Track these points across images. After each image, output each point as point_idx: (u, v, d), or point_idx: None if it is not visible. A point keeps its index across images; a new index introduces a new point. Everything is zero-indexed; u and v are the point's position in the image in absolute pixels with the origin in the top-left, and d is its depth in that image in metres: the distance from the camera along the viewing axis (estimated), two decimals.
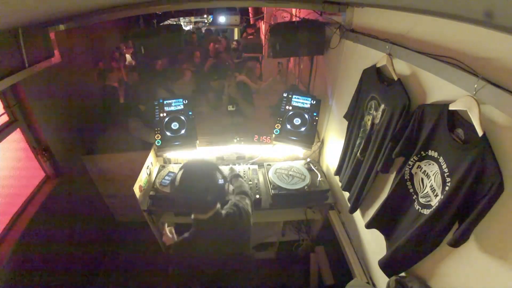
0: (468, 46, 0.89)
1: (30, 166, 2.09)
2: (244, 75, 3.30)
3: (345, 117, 1.71)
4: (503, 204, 0.78)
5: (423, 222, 0.99)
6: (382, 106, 1.32)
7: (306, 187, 2.08)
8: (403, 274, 1.21)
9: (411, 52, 1.10)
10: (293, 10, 2.74)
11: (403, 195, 1.15)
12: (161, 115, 2.10)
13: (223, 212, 1.38)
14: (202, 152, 2.39)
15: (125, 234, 3.05)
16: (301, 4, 2.01)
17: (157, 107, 2.10)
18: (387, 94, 1.28)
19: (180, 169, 1.33)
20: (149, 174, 2.25)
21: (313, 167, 2.27)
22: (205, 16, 7.22)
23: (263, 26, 4.77)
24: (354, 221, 1.83)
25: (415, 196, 1.11)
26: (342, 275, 1.90)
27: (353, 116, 1.63)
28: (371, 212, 1.44)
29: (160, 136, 2.06)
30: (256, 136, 2.31)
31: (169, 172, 2.26)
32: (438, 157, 0.99)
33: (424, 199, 1.05)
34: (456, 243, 0.86)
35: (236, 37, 6.63)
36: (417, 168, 1.09)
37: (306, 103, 2.07)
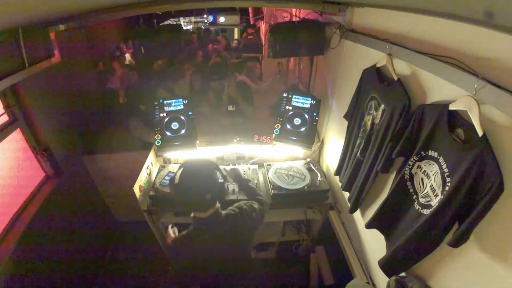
0: (468, 46, 0.89)
1: (30, 166, 2.09)
2: (244, 75, 3.30)
3: (345, 117, 1.71)
4: (503, 204, 0.78)
5: (423, 222, 0.99)
6: (382, 106, 1.32)
7: (306, 187, 2.08)
8: (403, 274, 1.21)
9: (411, 52, 1.10)
10: (293, 10, 2.74)
11: (403, 195, 1.15)
12: (161, 115, 2.10)
13: (224, 212, 1.38)
14: (202, 152, 2.39)
15: (125, 234, 3.05)
16: (301, 4, 2.01)
17: (157, 107, 2.10)
18: (387, 94, 1.28)
19: (180, 167, 1.34)
20: (149, 174, 2.25)
21: (313, 167, 2.27)
22: (205, 16, 7.22)
23: (263, 26, 4.77)
24: (354, 221, 1.83)
25: (415, 196, 1.11)
26: (342, 275, 1.90)
27: (353, 116, 1.63)
28: (371, 212, 1.44)
29: (160, 136, 2.06)
30: (256, 136, 2.31)
31: (169, 172, 2.26)
32: (438, 157, 0.99)
33: (424, 199, 1.05)
34: (456, 243, 0.86)
35: (236, 37, 6.63)
36: (417, 168, 1.09)
37: (306, 103, 2.07)
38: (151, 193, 2.07)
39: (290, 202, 2.14)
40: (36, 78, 1.88)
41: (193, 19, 8.60)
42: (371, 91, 1.43)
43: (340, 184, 1.80)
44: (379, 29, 1.40)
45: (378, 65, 1.36)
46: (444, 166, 0.95)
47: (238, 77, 3.25)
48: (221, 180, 1.34)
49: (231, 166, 1.80)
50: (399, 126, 1.17)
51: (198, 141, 2.12)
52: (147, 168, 2.22)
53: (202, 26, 6.81)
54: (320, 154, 2.46)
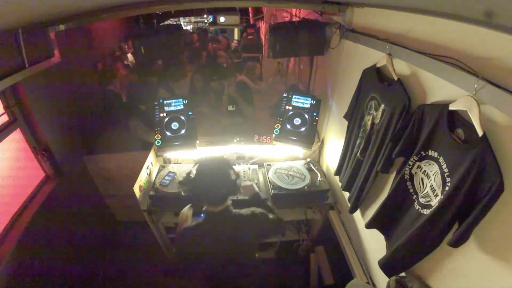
0: (468, 46, 0.89)
1: (30, 166, 2.09)
2: (244, 75, 3.30)
3: (345, 117, 1.71)
4: (503, 204, 0.78)
5: (423, 222, 0.99)
6: (382, 106, 1.32)
7: (306, 187, 2.08)
8: (403, 274, 1.21)
9: (411, 52, 1.10)
10: (293, 10, 2.74)
11: (403, 195, 1.15)
12: (161, 115, 2.10)
13: (234, 210, 1.43)
14: (202, 152, 2.39)
15: (125, 234, 3.04)
16: (301, 4, 2.01)
17: (157, 107, 2.10)
18: (387, 94, 1.28)
19: (196, 163, 1.44)
20: (149, 174, 2.25)
21: (313, 167, 2.27)
22: (205, 16, 7.22)
23: (263, 26, 4.77)
24: (354, 221, 1.82)
25: (415, 196, 1.11)
26: (342, 275, 1.90)
27: (353, 116, 1.63)
28: (371, 212, 1.44)
29: (160, 136, 2.06)
30: (256, 136, 2.31)
31: (169, 172, 2.26)
32: (438, 157, 0.99)
33: (424, 199, 1.05)
34: (456, 243, 0.86)
35: (236, 37, 6.63)
36: (417, 168, 1.09)
37: (306, 103, 2.07)
38: (151, 193, 2.07)
39: (290, 202, 2.14)
40: (36, 78, 1.88)
41: (193, 19, 8.60)
42: (371, 91, 1.43)
43: (340, 184, 1.80)
44: (379, 29, 1.40)
45: (378, 65, 1.35)
46: (444, 166, 0.95)
47: (238, 77, 3.25)
48: (234, 177, 1.42)
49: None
50: (399, 126, 1.17)
51: (198, 141, 2.12)
52: (147, 168, 2.22)
53: (203, 27, 6.82)
54: (320, 154, 2.46)
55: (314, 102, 2.06)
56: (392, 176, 1.28)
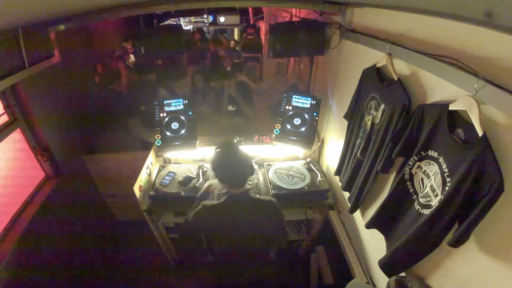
0: (468, 46, 0.89)
1: (30, 166, 2.09)
2: (244, 75, 3.30)
3: (345, 117, 1.71)
4: (503, 204, 0.78)
5: (423, 222, 0.99)
6: (382, 106, 1.32)
7: (306, 187, 2.08)
8: (403, 274, 1.21)
9: (411, 52, 1.10)
10: (293, 10, 2.74)
11: (403, 195, 1.15)
12: (161, 115, 2.10)
13: (252, 195, 1.52)
14: (202, 152, 2.39)
15: (125, 234, 3.05)
16: (301, 4, 2.01)
17: (157, 107, 2.10)
18: (387, 94, 1.28)
19: (218, 147, 1.53)
20: (149, 174, 2.25)
21: (313, 167, 2.27)
22: (205, 16, 7.21)
23: (263, 26, 4.77)
24: (354, 221, 1.82)
25: (415, 196, 1.11)
26: (342, 275, 1.90)
27: (353, 116, 1.63)
28: (371, 212, 1.44)
29: (160, 136, 2.07)
30: (256, 136, 2.31)
31: (169, 172, 2.26)
32: (438, 157, 0.99)
33: (424, 199, 1.05)
34: (456, 243, 0.86)
35: (236, 37, 6.62)
36: (417, 168, 1.09)
37: (306, 103, 2.07)
38: (151, 193, 2.07)
39: (290, 202, 2.14)
40: (36, 78, 1.88)
41: (193, 19, 8.59)
42: (371, 91, 1.43)
43: (340, 184, 1.80)
44: (379, 29, 1.40)
45: (378, 65, 1.35)
46: (444, 166, 0.95)
47: (238, 77, 3.25)
48: (251, 161, 1.55)
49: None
50: (399, 126, 1.16)
51: (198, 141, 2.12)
52: (147, 168, 2.22)
53: (204, 28, 6.81)
54: (320, 154, 2.46)
55: (314, 102, 2.06)
56: (392, 176, 1.28)
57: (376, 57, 1.35)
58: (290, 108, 2.08)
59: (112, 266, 2.78)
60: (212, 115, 2.94)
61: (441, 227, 0.93)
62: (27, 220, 1.86)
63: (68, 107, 2.46)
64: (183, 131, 2.09)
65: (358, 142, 1.56)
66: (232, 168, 1.46)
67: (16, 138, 1.94)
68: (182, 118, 2.10)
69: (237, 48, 4.80)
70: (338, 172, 1.83)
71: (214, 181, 1.88)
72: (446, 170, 0.94)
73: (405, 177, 1.13)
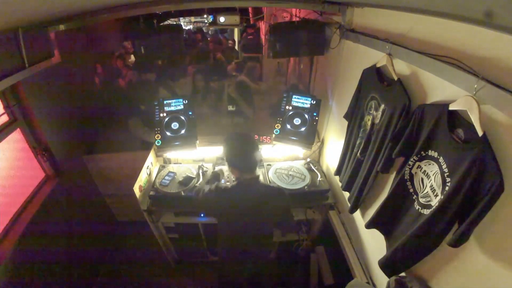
0: (468, 46, 0.89)
1: (30, 166, 2.08)
2: (244, 75, 3.30)
3: (345, 117, 1.71)
4: (503, 204, 0.78)
5: (423, 222, 0.99)
6: (382, 106, 1.32)
7: (306, 187, 2.08)
8: (403, 274, 1.21)
9: (411, 52, 1.10)
10: (293, 10, 2.74)
11: (403, 195, 1.15)
12: (161, 115, 2.10)
13: (263, 182, 1.61)
14: (202, 152, 2.39)
15: (125, 234, 3.05)
16: (301, 4, 2.01)
17: (157, 107, 2.10)
18: (387, 94, 1.28)
19: (230, 137, 1.64)
20: (149, 174, 2.25)
21: (313, 167, 2.27)
22: (205, 16, 7.21)
23: (263, 26, 4.76)
24: (354, 221, 1.83)
25: (415, 196, 1.11)
26: (342, 275, 1.90)
27: (353, 116, 1.63)
28: (371, 212, 1.44)
29: (160, 136, 2.06)
30: (256, 136, 2.31)
31: (169, 172, 2.26)
32: (438, 157, 0.99)
33: (424, 199, 1.05)
34: (456, 243, 0.86)
35: (236, 37, 6.62)
36: (417, 168, 1.09)
37: (306, 103, 2.07)
38: (151, 193, 2.07)
39: (291, 201, 2.14)
40: (36, 78, 1.88)
41: (193, 19, 8.59)
42: (371, 91, 1.43)
43: (340, 184, 1.80)
44: (379, 29, 1.40)
45: (378, 65, 1.35)
46: (444, 166, 0.95)
47: (238, 77, 3.25)
48: (259, 149, 1.63)
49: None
50: (399, 126, 1.16)
51: (198, 141, 2.12)
52: (147, 168, 2.22)
53: (204, 28, 6.81)
54: (320, 154, 2.46)
55: (314, 102, 2.06)
56: (392, 176, 1.28)
57: (376, 57, 1.35)
58: (290, 108, 2.08)
59: (112, 266, 2.78)
60: (212, 115, 2.94)
61: (441, 227, 0.93)
62: (27, 220, 1.86)
63: (68, 107, 2.46)
64: (183, 131, 2.09)
65: (358, 142, 1.56)
66: (243, 154, 1.56)
67: (16, 138, 1.94)
68: (182, 118, 2.10)
69: (237, 49, 4.80)
70: (338, 172, 1.83)
71: (221, 167, 2.08)
72: (446, 170, 0.94)
73: (405, 177, 1.13)
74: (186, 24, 8.56)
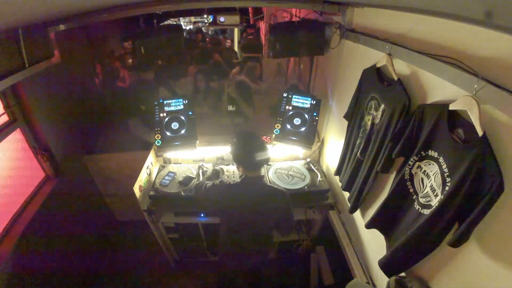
0: (468, 46, 0.89)
1: (30, 166, 2.09)
2: (244, 75, 3.30)
3: (345, 117, 1.71)
4: (503, 204, 0.78)
5: (423, 222, 0.99)
6: (382, 106, 1.32)
7: (306, 187, 2.08)
8: (403, 274, 1.21)
9: (411, 52, 1.10)
10: (293, 10, 2.74)
11: (403, 195, 1.15)
12: (161, 115, 2.10)
13: (266, 182, 1.60)
14: (202, 152, 2.39)
15: (125, 234, 3.05)
16: (301, 4, 2.01)
17: (157, 107, 2.10)
18: (387, 94, 1.28)
19: (237, 135, 1.66)
20: (149, 174, 2.25)
21: (313, 167, 2.27)
22: (205, 16, 7.21)
23: (263, 26, 4.76)
24: (354, 221, 1.82)
25: (415, 196, 1.11)
26: (342, 275, 1.90)
27: (353, 116, 1.63)
28: (371, 212, 1.44)
29: (160, 136, 2.06)
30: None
31: (169, 172, 2.26)
32: (438, 157, 0.99)
33: (424, 199, 1.05)
34: (456, 243, 0.86)
35: (236, 37, 6.62)
36: (417, 168, 1.09)
37: (306, 103, 2.07)
38: (151, 193, 2.07)
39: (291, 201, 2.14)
40: (36, 78, 1.88)
41: (193, 19, 8.58)
42: (371, 91, 1.43)
43: (340, 184, 1.80)
44: (379, 29, 1.40)
45: (378, 65, 1.35)
46: (444, 166, 0.95)
47: (238, 77, 3.25)
48: (267, 150, 1.63)
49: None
50: (399, 126, 1.16)
51: (198, 141, 2.12)
52: (147, 168, 2.22)
53: (203, 28, 6.81)
54: (320, 154, 2.46)
55: (314, 102, 2.06)
56: (392, 176, 1.28)
57: (376, 57, 1.35)
58: (290, 108, 2.08)
59: (112, 266, 2.78)
60: (212, 115, 2.94)
61: (441, 227, 0.93)
62: (27, 220, 1.86)
63: (68, 107, 2.46)
64: (183, 131, 2.09)
65: (358, 142, 1.56)
66: (249, 152, 1.58)
67: (16, 138, 1.94)
68: (182, 118, 2.10)
69: (235, 49, 4.80)
70: (338, 172, 1.83)
71: (221, 167, 2.14)
72: (446, 170, 0.94)
73: (405, 177, 1.13)
74: (186, 24, 8.56)
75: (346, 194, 1.74)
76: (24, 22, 1.56)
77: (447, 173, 0.94)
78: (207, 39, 5.77)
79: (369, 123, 1.44)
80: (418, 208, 1.07)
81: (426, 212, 1.02)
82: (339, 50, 1.84)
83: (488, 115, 0.82)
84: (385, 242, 1.30)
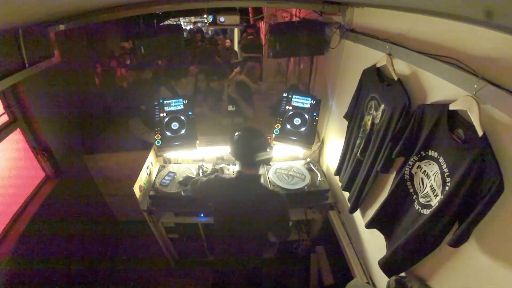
0: (468, 46, 0.89)
1: (30, 166, 2.08)
2: (244, 75, 3.29)
3: (345, 117, 1.71)
4: (503, 204, 0.78)
5: (423, 222, 0.99)
6: (382, 106, 1.32)
7: (306, 187, 2.08)
8: (403, 274, 1.21)
9: (411, 52, 1.10)
10: (293, 10, 2.74)
11: (403, 195, 1.15)
12: (161, 115, 2.10)
13: (264, 184, 1.57)
14: (202, 152, 2.39)
15: (125, 234, 3.05)
16: (301, 4, 2.01)
17: (157, 107, 2.10)
18: (387, 94, 1.28)
19: (243, 130, 1.61)
20: (149, 174, 2.26)
21: (313, 167, 2.27)
22: (205, 16, 7.21)
23: (263, 26, 4.76)
24: (354, 221, 1.83)
25: (415, 196, 1.11)
26: (342, 275, 1.90)
27: (353, 116, 1.63)
28: (371, 212, 1.44)
29: (160, 136, 2.06)
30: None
31: (169, 172, 2.26)
32: (438, 157, 0.99)
33: (424, 199, 1.05)
34: (456, 243, 0.86)
35: (236, 37, 6.63)
36: (417, 168, 1.09)
37: (306, 103, 2.07)
38: (151, 193, 2.07)
39: (290, 202, 2.13)
40: (36, 78, 1.88)
41: (193, 19, 8.59)
42: (371, 91, 1.43)
43: (340, 184, 1.80)
44: (379, 29, 1.40)
45: (378, 65, 1.35)
46: (444, 166, 0.95)
47: (238, 77, 3.25)
48: (269, 150, 1.58)
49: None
50: (399, 126, 1.16)
51: (198, 141, 2.12)
52: (147, 168, 2.22)
53: (203, 28, 6.82)
54: (320, 154, 2.46)
55: (314, 102, 2.06)
56: (392, 176, 1.28)
57: (376, 57, 1.35)
58: (290, 108, 2.08)
59: (112, 266, 2.78)
60: (212, 115, 2.94)
61: (441, 227, 0.93)
62: (27, 220, 1.86)
63: (68, 107, 2.46)
64: (183, 131, 2.09)
65: (358, 142, 1.56)
66: (248, 147, 1.55)
67: (16, 138, 1.94)
68: (182, 118, 2.10)
69: (235, 49, 4.80)
70: (338, 172, 1.83)
71: (221, 166, 2.15)
72: (446, 170, 0.94)
73: (405, 177, 1.13)
74: (186, 24, 8.57)
75: (346, 194, 1.74)
76: (24, 22, 1.56)
77: (447, 173, 0.94)
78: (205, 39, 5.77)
79: (369, 123, 1.44)
80: (418, 208, 1.07)
81: (426, 212, 1.02)
82: (339, 50, 1.84)
83: (488, 115, 0.82)
84: (385, 242, 1.30)
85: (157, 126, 2.08)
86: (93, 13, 1.81)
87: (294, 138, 2.06)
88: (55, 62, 2.00)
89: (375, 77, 1.38)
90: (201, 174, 2.20)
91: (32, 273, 1.89)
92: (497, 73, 0.77)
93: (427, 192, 1.04)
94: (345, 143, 1.73)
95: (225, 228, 1.66)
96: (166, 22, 6.19)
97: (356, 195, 1.55)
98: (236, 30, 6.82)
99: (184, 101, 2.14)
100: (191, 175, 2.19)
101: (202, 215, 2.24)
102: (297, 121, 2.06)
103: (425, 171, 1.05)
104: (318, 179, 2.15)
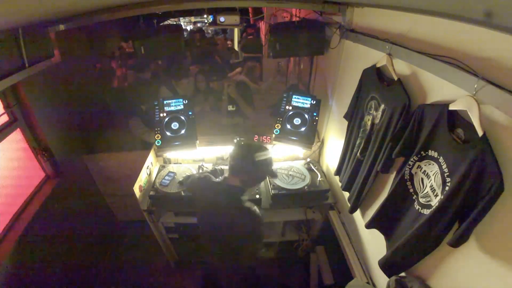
0: (468, 46, 0.89)
1: (30, 166, 2.09)
2: (244, 75, 3.29)
3: (345, 117, 1.71)
4: (503, 204, 0.78)
5: (423, 222, 0.99)
6: (382, 106, 1.32)
7: (306, 187, 2.08)
8: (403, 274, 1.21)
9: (411, 52, 1.10)
10: (293, 10, 2.74)
11: (403, 195, 1.15)
12: (161, 115, 2.10)
13: (244, 199, 1.52)
14: (202, 152, 2.39)
15: (125, 233, 3.05)
16: (301, 4, 2.01)
17: (157, 107, 2.10)
18: (387, 94, 1.28)
19: (252, 149, 1.53)
20: (149, 174, 2.26)
21: (313, 167, 2.27)
22: (205, 16, 7.21)
23: (263, 26, 4.76)
24: (354, 221, 1.82)
25: (415, 196, 1.11)
26: (342, 275, 1.90)
27: (353, 116, 1.63)
28: (371, 212, 1.44)
29: (160, 136, 2.06)
30: (256, 136, 2.31)
31: (169, 172, 2.26)
32: (438, 157, 0.99)
33: (424, 199, 1.05)
34: (456, 243, 0.86)
35: (236, 37, 6.62)
36: (417, 168, 1.09)
37: (306, 103, 2.07)
38: (151, 193, 2.07)
39: (290, 202, 2.14)
40: (36, 78, 1.88)
41: (193, 19, 8.59)
42: (371, 91, 1.43)
43: (340, 184, 1.80)
44: (379, 29, 1.40)
45: (378, 65, 1.35)
46: (444, 166, 0.95)
47: (238, 77, 3.25)
48: (262, 168, 1.53)
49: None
50: (399, 126, 1.16)
51: (198, 141, 2.12)
52: (147, 168, 2.22)
53: (203, 28, 6.82)
54: (320, 154, 2.46)
55: (314, 102, 2.06)
56: (392, 176, 1.28)
57: (376, 57, 1.35)
58: (290, 108, 2.08)
59: (112, 266, 2.78)
60: (212, 115, 2.94)
61: (441, 227, 0.93)
62: (27, 220, 1.86)
63: (68, 107, 2.46)
64: (183, 131, 2.09)
65: (358, 142, 1.56)
66: (235, 159, 1.52)
67: (16, 138, 1.94)
68: (182, 118, 2.10)
69: (235, 49, 4.79)
70: (338, 172, 1.83)
71: (221, 166, 2.19)
72: (446, 170, 0.94)
73: (405, 177, 1.13)
74: (186, 24, 8.56)
75: (346, 194, 1.74)
76: (24, 22, 1.56)
77: (447, 173, 0.94)
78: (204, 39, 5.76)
79: (369, 123, 1.44)
80: (418, 208, 1.07)
81: (426, 212, 1.02)
82: (339, 50, 1.84)
83: (488, 115, 0.82)
84: (385, 242, 1.30)
85: (157, 126, 2.08)
86: (93, 13, 1.81)
87: (294, 138, 2.06)
88: (55, 62, 2.00)
89: (375, 77, 1.38)
90: None
91: (32, 273, 1.89)
92: (497, 73, 0.77)
93: (427, 192, 1.04)
94: (345, 143, 1.73)
95: (205, 229, 1.67)
96: (166, 22, 6.19)
97: (356, 195, 1.55)
98: (236, 30, 6.81)
99: (184, 101, 2.14)
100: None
101: None
102: (297, 121, 2.06)
103: (425, 171, 1.05)
104: (318, 179, 2.15)
